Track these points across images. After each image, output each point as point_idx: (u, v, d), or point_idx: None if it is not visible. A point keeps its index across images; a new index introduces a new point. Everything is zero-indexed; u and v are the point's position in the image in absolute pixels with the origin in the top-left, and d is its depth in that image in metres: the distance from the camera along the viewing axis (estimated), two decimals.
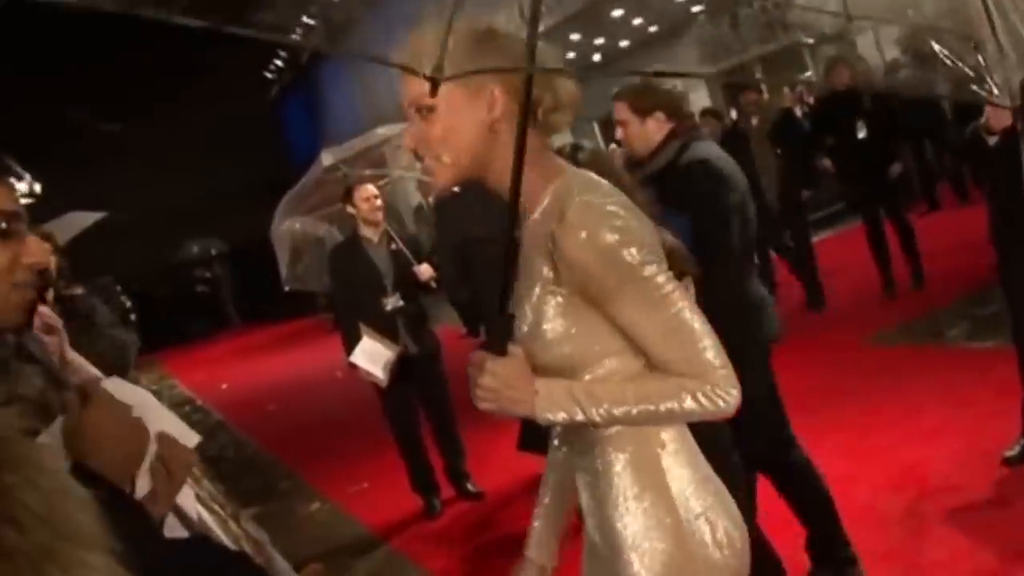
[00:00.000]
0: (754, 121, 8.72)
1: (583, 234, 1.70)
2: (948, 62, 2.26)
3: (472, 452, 6.25)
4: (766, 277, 8.69)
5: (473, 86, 1.79)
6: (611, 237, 1.69)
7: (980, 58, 2.11)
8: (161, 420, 1.88)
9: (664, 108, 3.72)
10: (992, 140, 4.00)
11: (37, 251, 1.70)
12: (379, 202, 5.96)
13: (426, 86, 1.73)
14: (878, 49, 12.91)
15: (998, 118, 3.86)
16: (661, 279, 1.72)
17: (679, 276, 1.83)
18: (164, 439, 1.79)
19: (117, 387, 1.81)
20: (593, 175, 1.87)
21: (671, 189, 3.43)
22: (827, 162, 8.58)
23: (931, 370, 6.01)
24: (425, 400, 6.04)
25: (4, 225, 1.65)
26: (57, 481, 1.01)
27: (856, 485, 4.62)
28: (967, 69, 2.19)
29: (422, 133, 1.85)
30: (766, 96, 9.46)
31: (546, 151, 1.89)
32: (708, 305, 1.90)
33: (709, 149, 3.75)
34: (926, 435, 5.03)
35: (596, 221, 1.70)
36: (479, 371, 1.76)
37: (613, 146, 13.35)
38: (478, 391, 1.77)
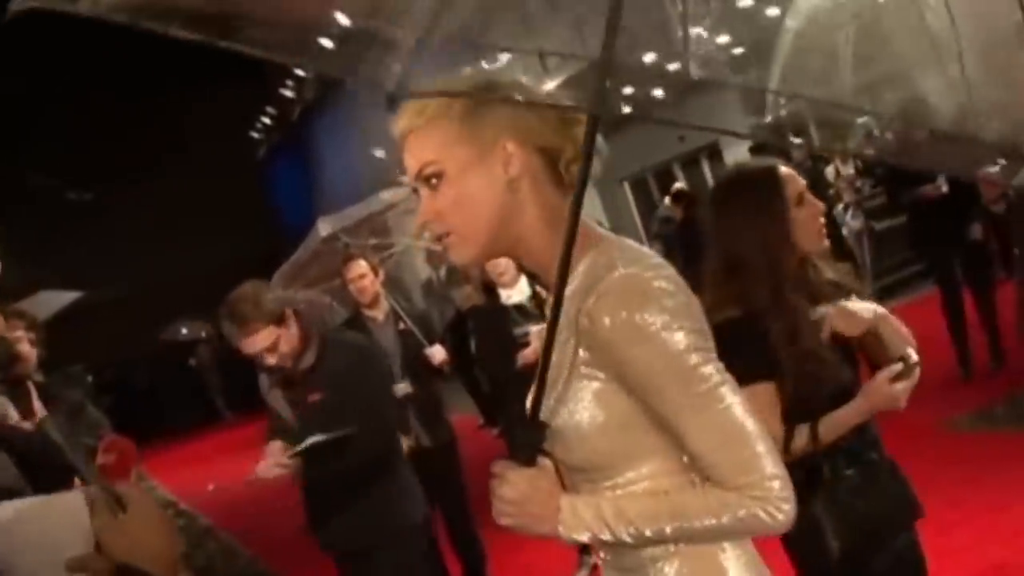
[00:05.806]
0: None
1: (623, 313, 1.66)
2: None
3: (494, 555, 6.22)
4: None
5: (482, 144, 1.79)
6: (656, 319, 1.65)
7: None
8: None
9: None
10: (998, 208, 4.08)
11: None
12: (367, 281, 5.96)
13: (429, 154, 1.79)
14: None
15: (988, 189, 3.96)
16: (709, 369, 1.68)
17: None
18: None
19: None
20: (634, 244, 1.83)
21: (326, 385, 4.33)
22: None
23: (1016, 459, 5.98)
24: (440, 498, 5.99)
25: None
26: None
27: None
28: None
29: (434, 205, 1.83)
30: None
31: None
32: None
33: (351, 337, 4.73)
34: (1013, 532, 5.01)
35: (640, 299, 1.67)
36: (500, 482, 1.77)
37: (668, 194, 13.53)
38: (498, 504, 1.78)
